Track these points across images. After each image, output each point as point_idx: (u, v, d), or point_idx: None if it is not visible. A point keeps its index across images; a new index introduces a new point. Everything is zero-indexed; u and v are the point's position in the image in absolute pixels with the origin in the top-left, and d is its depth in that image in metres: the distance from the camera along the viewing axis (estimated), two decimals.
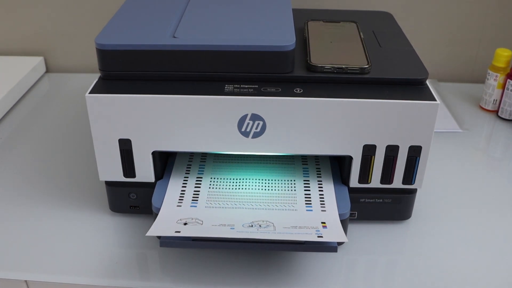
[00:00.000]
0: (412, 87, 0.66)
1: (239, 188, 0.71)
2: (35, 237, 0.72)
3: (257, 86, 0.64)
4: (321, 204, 0.68)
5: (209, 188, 0.71)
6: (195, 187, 0.71)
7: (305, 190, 0.71)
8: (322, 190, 0.70)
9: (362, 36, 0.75)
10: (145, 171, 0.69)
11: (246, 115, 0.63)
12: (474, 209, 0.78)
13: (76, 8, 1.15)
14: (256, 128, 0.64)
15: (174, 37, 0.66)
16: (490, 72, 1.00)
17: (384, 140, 0.65)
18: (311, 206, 0.67)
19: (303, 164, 0.76)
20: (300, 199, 0.69)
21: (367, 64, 0.66)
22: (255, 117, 0.63)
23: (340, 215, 0.66)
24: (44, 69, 1.20)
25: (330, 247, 0.61)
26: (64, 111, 1.04)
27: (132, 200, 0.73)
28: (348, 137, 0.65)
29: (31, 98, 1.10)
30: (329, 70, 0.65)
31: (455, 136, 0.95)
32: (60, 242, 0.71)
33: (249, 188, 0.71)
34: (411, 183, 0.69)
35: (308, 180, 0.72)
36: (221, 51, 0.63)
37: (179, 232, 0.61)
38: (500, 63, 0.98)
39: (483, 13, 1.09)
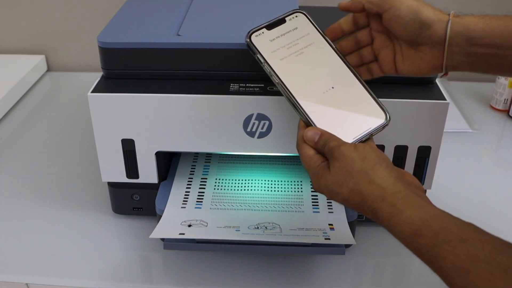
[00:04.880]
0: (421, 86, 0.64)
1: (244, 189, 0.70)
2: (36, 239, 0.71)
3: (263, 85, 0.63)
4: (328, 205, 0.67)
5: (214, 189, 0.70)
6: (200, 188, 0.70)
7: (312, 191, 0.70)
8: None
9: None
10: (148, 172, 0.68)
11: (252, 114, 0.62)
12: (484, 210, 0.77)
13: (78, 6, 1.14)
14: (262, 128, 0.63)
15: (178, 35, 0.65)
16: None
17: (392, 140, 0.64)
18: (318, 208, 0.67)
19: None
20: (307, 201, 0.68)
21: (385, 118, 0.54)
22: (260, 117, 0.62)
23: (347, 217, 0.65)
24: (45, 68, 1.19)
25: (337, 250, 0.60)
26: (66, 110, 1.03)
27: (135, 201, 0.72)
28: None
29: (32, 97, 1.09)
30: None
31: (465, 136, 0.94)
32: (61, 244, 0.70)
33: (254, 189, 0.70)
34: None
35: None
36: (226, 49, 0.62)
37: (183, 234, 0.60)
38: None
39: (492, 11, 1.07)
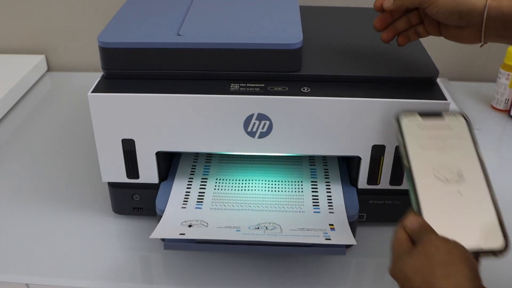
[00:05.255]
0: (422, 86, 0.64)
1: (245, 190, 0.70)
2: (36, 240, 0.70)
3: (263, 85, 0.63)
4: (329, 205, 0.67)
5: (215, 189, 0.70)
6: (200, 188, 0.70)
7: (312, 191, 0.69)
8: (330, 192, 0.69)
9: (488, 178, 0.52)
10: (149, 172, 0.67)
11: (252, 114, 0.62)
12: None
13: (78, 6, 1.14)
14: (263, 128, 0.63)
15: (179, 35, 0.64)
16: (502, 70, 0.98)
17: (393, 140, 0.64)
18: (318, 208, 0.66)
19: (310, 165, 0.74)
20: (307, 201, 0.68)
21: (502, 245, 0.48)
22: (261, 117, 0.62)
23: (348, 217, 0.64)
24: (45, 68, 1.19)
25: (338, 250, 0.60)
26: (66, 110, 1.03)
27: (136, 201, 0.71)
28: (357, 137, 0.64)
29: (32, 97, 1.09)
30: None
31: None
32: (61, 244, 0.70)
33: (255, 190, 0.70)
34: None
35: (316, 181, 0.71)
36: (226, 49, 0.62)
37: (183, 234, 0.60)
38: None
39: None
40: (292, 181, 0.71)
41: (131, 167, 0.67)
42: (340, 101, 0.61)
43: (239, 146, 0.64)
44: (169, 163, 0.73)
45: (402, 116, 0.54)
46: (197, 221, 0.63)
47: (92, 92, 0.62)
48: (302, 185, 0.71)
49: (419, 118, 0.54)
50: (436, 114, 0.55)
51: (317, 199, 0.68)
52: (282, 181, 0.71)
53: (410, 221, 0.48)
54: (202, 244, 0.61)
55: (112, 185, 0.71)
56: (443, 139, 0.53)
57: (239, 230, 0.61)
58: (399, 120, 0.54)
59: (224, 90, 0.62)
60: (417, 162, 0.51)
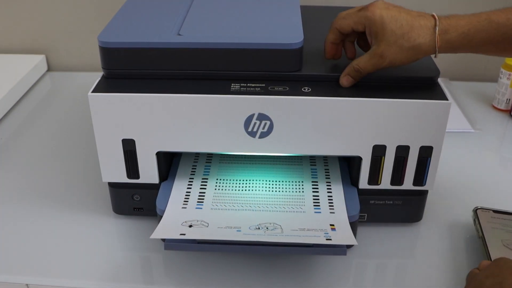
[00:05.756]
0: (423, 86, 0.64)
1: (245, 190, 0.70)
2: (36, 240, 0.70)
3: (264, 85, 0.63)
4: (329, 206, 0.67)
5: (215, 189, 0.70)
6: (201, 188, 0.70)
7: (313, 191, 0.69)
8: (330, 192, 0.69)
9: None
10: (149, 172, 0.67)
11: (253, 114, 0.62)
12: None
13: (78, 5, 1.14)
14: (263, 128, 0.63)
15: (179, 34, 0.64)
16: (503, 70, 0.98)
17: (394, 140, 0.64)
18: (319, 208, 0.66)
19: (311, 165, 0.74)
20: (308, 201, 0.68)
21: None
22: (262, 117, 0.62)
23: (349, 217, 0.64)
24: (45, 68, 1.19)
25: (339, 250, 0.60)
26: (66, 110, 1.03)
27: (136, 201, 0.71)
28: (358, 137, 0.63)
29: (32, 97, 1.08)
30: None
31: (467, 136, 0.93)
32: (61, 245, 0.70)
33: (256, 190, 0.70)
34: (422, 184, 0.67)
35: (317, 181, 0.71)
36: (227, 49, 0.62)
37: (184, 234, 0.60)
38: None
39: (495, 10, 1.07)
40: (292, 181, 0.71)
41: (132, 167, 0.67)
42: (341, 101, 0.61)
43: (239, 146, 0.64)
44: (169, 163, 0.73)
45: (479, 210, 0.71)
46: (197, 221, 0.63)
47: (92, 92, 0.62)
48: (302, 185, 0.71)
49: (491, 212, 0.71)
50: (507, 213, 0.70)
51: (318, 199, 0.68)
52: (282, 181, 0.71)
53: (483, 262, 0.59)
54: (203, 244, 0.60)
55: (112, 185, 0.71)
56: (510, 225, 0.69)
57: (240, 230, 0.61)
58: (476, 212, 0.70)
59: (225, 90, 0.62)
60: (489, 235, 0.67)
